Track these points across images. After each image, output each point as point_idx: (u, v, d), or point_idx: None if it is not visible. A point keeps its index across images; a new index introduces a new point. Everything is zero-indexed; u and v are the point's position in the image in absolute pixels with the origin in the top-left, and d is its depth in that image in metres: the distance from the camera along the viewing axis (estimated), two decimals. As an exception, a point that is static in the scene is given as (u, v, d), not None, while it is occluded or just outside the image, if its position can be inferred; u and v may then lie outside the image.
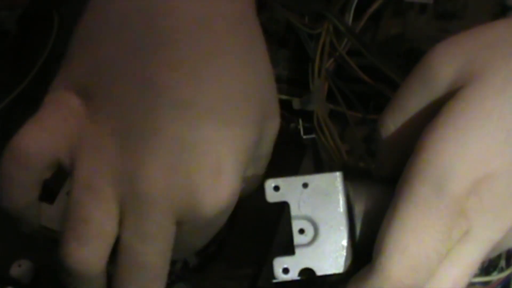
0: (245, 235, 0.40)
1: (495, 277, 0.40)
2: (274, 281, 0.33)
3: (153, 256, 0.31)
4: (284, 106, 0.49)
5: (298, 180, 0.33)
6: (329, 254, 0.33)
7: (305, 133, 0.45)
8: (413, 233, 0.29)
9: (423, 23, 0.47)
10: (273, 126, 0.35)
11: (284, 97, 0.49)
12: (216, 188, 0.31)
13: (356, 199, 0.33)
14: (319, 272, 0.33)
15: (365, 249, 0.32)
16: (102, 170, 0.31)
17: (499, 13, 0.46)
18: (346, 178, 0.34)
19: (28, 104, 0.34)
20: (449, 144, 0.29)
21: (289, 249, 0.33)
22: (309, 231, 0.33)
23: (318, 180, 0.33)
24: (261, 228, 0.35)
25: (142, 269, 0.31)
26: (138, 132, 0.30)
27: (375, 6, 0.47)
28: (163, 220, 0.31)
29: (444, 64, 0.30)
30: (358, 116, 0.45)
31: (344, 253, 0.33)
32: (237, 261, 0.40)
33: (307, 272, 0.33)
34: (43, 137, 0.31)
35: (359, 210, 0.33)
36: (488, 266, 0.40)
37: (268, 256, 0.33)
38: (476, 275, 0.40)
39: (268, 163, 0.37)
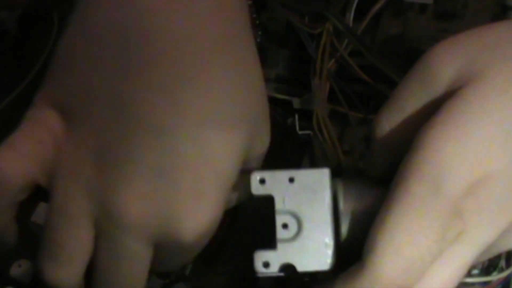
0: (245, 235, 0.40)
1: (495, 277, 0.40)
2: (257, 275, 0.32)
3: (126, 277, 0.32)
4: (284, 106, 0.49)
5: (285, 174, 0.33)
6: (312, 250, 0.32)
7: (301, 129, 0.45)
8: (407, 233, 0.28)
9: (423, 23, 0.47)
10: (263, 144, 0.34)
11: (284, 97, 0.49)
12: (194, 214, 0.31)
13: (344, 197, 0.33)
14: (300, 268, 0.32)
15: (350, 248, 0.31)
16: (77, 195, 0.31)
17: (499, 13, 0.46)
18: (336, 176, 0.33)
19: (28, 104, 0.34)
20: (448, 142, 0.28)
21: (272, 243, 0.32)
22: (293, 227, 0.32)
23: (305, 176, 0.33)
24: (261, 228, 0.34)
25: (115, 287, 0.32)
26: (114, 158, 0.30)
27: (377, 7, 0.47)
28: (137, 246, 0.31)
29: (444, 63, 0.30)
30: (359, 116, 0.45)
31: (327, 250, 0.32)
32: (237, 261, 0.40)
33: (288, 268, 0.32)
34: (17, 161, 0.31)
35: (346, 208, 0.33)
36: (488, 266, 0.40)
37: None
38: (476, 275, 0.40)
39: (269, 162, 0.37)
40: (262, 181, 0.33)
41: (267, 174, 0.33)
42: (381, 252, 0.28)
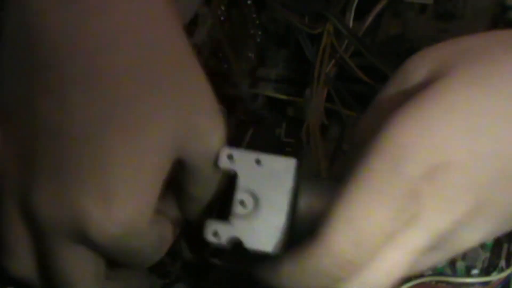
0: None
1: (495, 277, 0.40)
2: (206, 241, 0.33)
3: (63, 277, 0.33)
4: (284, 106, 0.49)
5: (253, 155, 0.34)
6: (262, 231, 0.33)
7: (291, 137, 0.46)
8: (362, 207, 0.28)
9: (423, 23, 0.47)
10: (204, 142, 0.34)
11: (283, 97, 0.49)
12: (105, 217, 0.31)
13: (306, 193, 0.33)
14: (246, 245, 0.33)
15: (300, 240, 0.31)
16: (7, 195, 0.32)
17: (499, 13, 0.46)
18: (304, 173, 0.34)
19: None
20: (412, 125, 0.29)
21: (226, 216, 0.33)
22: (249, 205, 0.33)
23: (272, 161, 0.34)
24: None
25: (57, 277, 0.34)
26: (26, 160, 0.32)
27: (379, 7, 0.47)
28: (54, 243, 0.32)
29: (418, 65, 0.31)
30: (356, 116, 0.46)
31: (277, 234, 0.33)
32: (237, 260, 0.40)
33: (235, 242, 0.33)
34: None
35: (305, 201, 0.33)
36: (488, 266, 0.40)
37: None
38: (476, 276, 0.40)
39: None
40: (230, 157, 0.34)
41: (236, 152, 0.34)
42: (333, 224, 0.28)
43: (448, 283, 0.40)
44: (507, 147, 0.29)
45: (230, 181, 0.35)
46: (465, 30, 0.45)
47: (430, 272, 0.40)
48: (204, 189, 0.36)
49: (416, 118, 0.29)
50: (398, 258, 0.29)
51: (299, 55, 0.50)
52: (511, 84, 0.29)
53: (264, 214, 0.33)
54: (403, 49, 0.47)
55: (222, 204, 0.36)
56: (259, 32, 0.52)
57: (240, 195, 0.33)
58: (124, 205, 0.31)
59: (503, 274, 0.40)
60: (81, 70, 0.31)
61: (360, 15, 0.47)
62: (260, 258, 0.33)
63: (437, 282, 0.40)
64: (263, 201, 0.33)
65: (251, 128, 0.52)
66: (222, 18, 0.47)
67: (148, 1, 0.33)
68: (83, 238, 0.31)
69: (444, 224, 0.29)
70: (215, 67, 0.47)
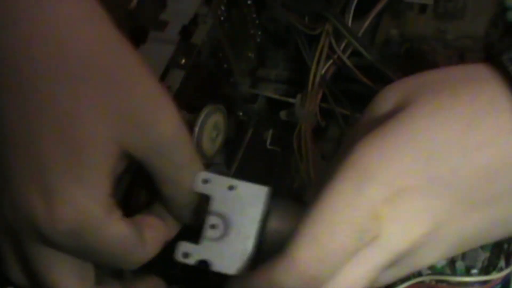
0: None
1: (494, 276, 0.40)
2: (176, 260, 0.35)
3: (43, 277, 0.35)
4: (284, 106, 0.49)
5: (227, 181, 0.35)
6: (229, 255, 0.34)
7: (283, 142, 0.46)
8: (327, 225, 0.30)
9: (423, 23, 0.47)
10: (147, 133, 0.34)
11: (283, 98, 0.49)
12: (48, 214, 0.32)
13: (277, 217, 0.35)
14: (212, 268, 0.34)
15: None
16: None
17: (499, 13, 0.46)
18: (278, 196, 0.35)
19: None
20: (375, 152, 0.31)
21: (197, 237, 0.35)
22: (220, 229, 0.35)
23: (245, 188, 0.35)
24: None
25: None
26: None
27: (379, 7, 0.47)
28: (30, 247, 0.34)
29: (387, 97, 0.33)
30: (356, 116, 0.46)
31: (242, 259, 0.34)
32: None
33: (203, 264, 0.35)
34: None
35: (275, 228, 0.35)
36: (487, 266, 0.40)
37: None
38: (475, 275, 0.40)
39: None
40: (206, 181, 0.36)
41: (211, 176, 0.36)
42: (299, 241, 0.30)
43: (447, 282, 0.40)
44: (463, 174, 0.30)
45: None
46: (465, 30, 0.45)
47: (429, 272, 0.40)
48: (171, 188, 0.36)
49: (379, 145, 0.31)
50: (359, 274, 0.31)
51: (299, 55, 0.50)
52: (468, 116, 0.31)
53: (231, 239, 0.35)
54: (403, 49, 0.47)
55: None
56: (259, 32, 0.52)
57: (211, 219, 0.35)
58: (64, 202, 0.32)
59: (502, 274, 0.40)
60: (5, 74, 0.32)
61: (360, 14, 0.47)
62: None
63: (436, 281, 0.40)
64: (233, 226, 0.35)
65: (251, 128, 0.53)
66: (222, 18, 0.47)
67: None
68: (38, 236, 0.33)
69: (403, 245, 0.30)
70: (215, 67, 0.47)
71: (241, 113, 0.51)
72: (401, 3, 0.48)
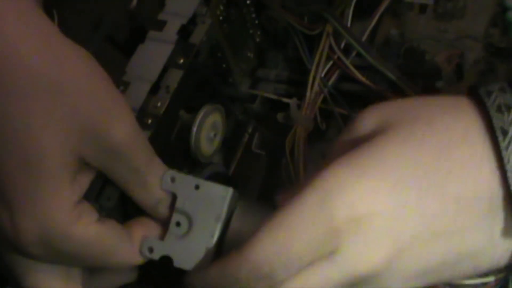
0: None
1: (493, 278, 0.39)
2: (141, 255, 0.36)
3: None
4: (283, 106, 0.49)
5: (193, 180, 0.37)
6: (191, 251, 0.36)
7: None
8: (286, 230, 0.31)
9: (423, 23, 0.47)
10: (102, 137, 0.34)
11: (282, 99, 0.49)
12: (13, 225, 0.33)
13: (239, 219, 0.36)
14: (175, 264, 0.36)
15: None
16: None
17: (499, 13, 0.45)
18: (244, 199, 0.37)
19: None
20: (346, 170, 0.31)
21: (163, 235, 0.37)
22: (184, 227, 0.36)
23: (210, 188, 0.36)
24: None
25: None
26: None
27: (381, 9, 0.47)
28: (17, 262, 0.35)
29: (366, 119, 0.34)
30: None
31: (204, 256, 0.35)
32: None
33: (166, 259, 0.36)
34: None
35: (237, 226, 0.36)
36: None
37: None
38: (474, 277, 0.40)
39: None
40: (173, 180, 0.37)
41: (178, 176, 0.37)
42: (257, 240, 0.31)
43: (445, 284, 0.40)
44: (430, 202, 0.31)
45: None
46: (465, 30, 0.45)
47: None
48: (136, 191, 0.36)
49: (350, 165, 0.31)
50: (311, 284, 0.31)
51: (298, 55, 0.49)
52: (440, 144, 0.31)
53: (194, 236, 0.36)
54: (403, 49, 0.47)
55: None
56: (258, 32, 0.52)
57: (176, 216, 0.36)
58: (25, 215, 0.33)
59: (501, 275, 0.39)
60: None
61: (360, 15, 0.47)
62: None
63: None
64: (196, 224, 0.36)
65: (250, 128, 0.53)
66: (221, 18, 0.47)
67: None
68: (16, 249, 0.34)
69: (362, 266, 0.31)
70: (214, 67, 0.47)
71: (239, 114, 0.51)
72: (401, 3, 0.48)
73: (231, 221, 0.36)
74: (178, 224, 0.36)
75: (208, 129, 0.43)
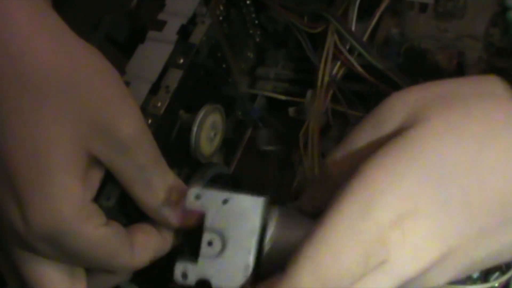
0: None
1: (495, 282, 0.40)
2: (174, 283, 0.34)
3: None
4: (283, 106, 0.49)
5: (220, 195, 0.34)
6: (229, 270, 0.33)
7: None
8: (330, 249, 0.29)
9: (423, 22, 0.47)
10: (110, 134, 0.34)
11: (282, 97, 0.49)
12: (23, 219, 0.33)
13: (275, 227, 0.34)
14: (214, 285, 0.33)
15: (269, 273, 0.32)
16: None
17: (499, 13, 0.45)
18: (275, 205, 0.34)
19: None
20: (384, 173, 0.29)
21: (195, 256, 0.34)
22: (217, 245, 0.34)
23: (240, 200, 0.34)
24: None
25: None
26: None
27: (382, 8, 0.47)
28: (6, 243, 0.35)
29: (395, 109, 0.32)
30: (359, 115, 0.45)
31: (244, 273, 0.33)
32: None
33: (203, 283, 0.34)
34: None
35: (274, 237, 0.33)
36: (488, 270, 0.40)
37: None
38: (477, 281, 0.40)
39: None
40: (198, 197, 0.34)
41: (203, 192, 0.34)
42: (301, 263, 0.29)
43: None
44: (475, 197, 0.29)
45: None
46: (465, 30, 0.45)
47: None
48: (138, 190, 0.36)
49: (387, 166, 0.29)
50: None
51: (298, 54, 0.49)
52: (481, 136, 0.30)
53: (230, 254, 0.33)
54: (403, 49, 0.47)
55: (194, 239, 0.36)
56: (258, 32, 0.52)
57: (207, 236, 0.34)
58: (36, 208, 0.32)
59: (503, 278, 0.39)
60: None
61: (361, 15, 0.47)
62: None
63: None
64: (230, 241, 0.33)
65: (250, 128, 0.53)
66: (220, 18, 0.47)
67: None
68: (23, 244, 0.34)
69: (412, 271, 0.29)
70: (214, 67, 0.47)
71: (240, 113, 0.51)
72: (401, 3, 0.47)
73: (266, 230, 0.34)
74: (210, 243, 0.34)
75: (208, 128, 0.43)
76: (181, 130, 0.42)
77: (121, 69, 0.42)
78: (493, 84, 0.31)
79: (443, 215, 0.29)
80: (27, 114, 0.33)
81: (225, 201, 0.34)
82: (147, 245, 0.37)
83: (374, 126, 0.32)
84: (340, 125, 0.47)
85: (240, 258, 0.33)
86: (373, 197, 0.29)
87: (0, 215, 0.34)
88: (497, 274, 0.39)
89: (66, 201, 0.33)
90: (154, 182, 0.36)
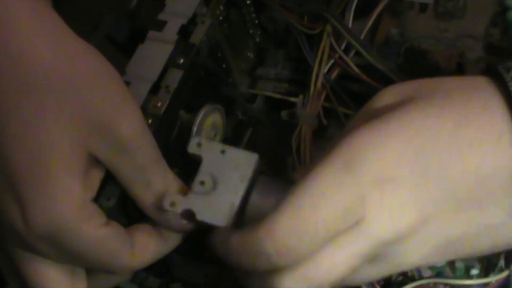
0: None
1: (494, 278, 0.40)
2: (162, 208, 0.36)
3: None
4: (283, 106, 0.49)
5: (219, 146, 0.37)
6: (215, 207, 0.35)
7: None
8: (311, 198, 0.30)
9: (423, 22, 0.47)
10: (109, 133, 0.34)
11: (282, 97, 0.49)
12: (23, 218, 0.33)
13: (261, 188, 0.36)
14: (198, 217, 0.35)
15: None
16: None
17: (499, 13, 0.45)
18: (265, 174, 0.36)
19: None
20: (370, 136, 0.31)
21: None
22: (208, 185, 0.36)
23: (236, 153, 0.37)
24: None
25: None
26: None
27: (380, 7, 0.47)
28: (7, 243, 0.35)
29: (386, 95, 0.34)
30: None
31: (228, 212, 0.35)
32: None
33: (188, 213, 0.36)
34: None
35: (258, 197, 0.36)
36: (487, 266, 0.40)
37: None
38: (476, 277, 0.40)
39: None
40: (199, 145, 0.37)
41: (204, 141, 0.37)
42: (282, 209, 0.30)
43: (446, 284, 0.40)
44: (453, 171, 0.31)
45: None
46: (465, 30, 0.45)
47: (430, 273, 0.40)
48: (138, 189, 0.36)
49: (375, 131, 0.31)
50: (338, 259, 0.31)
51: (298, 54, 0.49)
52: (460, 114, 0.31)
53: (219, 194, 0.36)
54: (403, 49, 0.47)
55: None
56: (258, 32, 0.52)
57: (201, 176, 0.36)
58: (35, 207, 0.33)
59: (503, 275, 0.39)
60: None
61: (361, 14, 0.47)
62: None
63: (435, 283, 0.40)
64: (221, 184, 0.36)
65: (249, 128, 0.53)
66: (221, 18, 0.47)
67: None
68: (24, 244, 0.34)
69: (387, 233, 0.30)
70: (214, 67, 0.47)
71: (240, 113, 0.51)
72: (401, 2, 0.48)
73: (255, 188, 0.36)
74: (202, 183, 0.36)
75: (208, 129, 0.43)
76: (181, 130, 0.42)
77: (121, 69, 0.42)
78: (476, 79, 0.33)
79: (421, 184, 0.31)
80: (27, 114, 0.33)
81: (223, 151, 0.37)
82: (147, 246, 0.37)
83: (367, 107, 0.34)
84: (336, 124, 0.47)
85: (227, 198, 0.36)
86: (358, 154, 0.30)
87: (0, 215, 0.34)
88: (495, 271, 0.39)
89: (66, 201, 0.33)
90: (154, 182, 0.36)
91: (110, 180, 0.37)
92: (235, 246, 0.32)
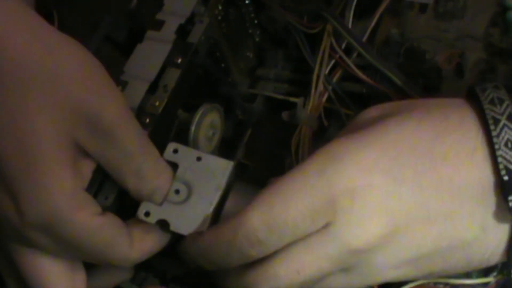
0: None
1: (494, 278, 0.39)
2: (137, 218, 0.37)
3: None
4: (283, 107, 0.49)
5: (195, 153, 0.38)
6: (188, 217, 0.36)
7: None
8: (283, 196, 0.32)
9: (423, 22, 0.47)
10: (95, 122, 0.35)
11: (282, 97, 0.49)
12: (17, 210, 0.33)
13: (236, 197, 0.37)
14: (172, 228, 0.36)
15: None
16: None
17: (499, 13, 0.45)
18: (242, 180, 0.37)
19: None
20: (346, 145, 0.32)
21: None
22: (183, 194, 0.37)
23: (211, 160, 0.37)
24: None
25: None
26: None
27: (381, 9, 0.47)
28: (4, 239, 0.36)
29: (369, 112, 0.36)
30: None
31: (200, 222, 0.36)
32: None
33: (163, 223, 0.36)
34: None
35: (233, 202, 0.36)
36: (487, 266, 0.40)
37: None
38: (475, 277, 0.40)
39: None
40: (175, 151, 0.38)
41: (180, 147, 0.38)
42: (254, 205, 0.32)
43: (446, 284, 0.40)
44: (427, 186, 0.31)
45: None
46: (465, 30, 0.45)
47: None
48: (129, 178, 0.36)
49: (352, 140, 0.33)
50: (307, 259, 0.32)
51: (298, 54, 0.49)
52: (437, 128, 0.32)
53: (193, 203, 0.36)
54: (403, 49, 0.46)
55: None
56: (258, 32, 0.52)
57: (176, 185, 0.37)
58: (28, 199, 0.33)
59: (501, 276, 0.39)
60: None
61: (361, 14, 0.47)
62: None
63: (435, 283, 0.40)
64: (195, 192, 0.36)
65: (249, 128, 0.53)
66: (219, 18, 0.47)
67: None
68: (20, 237, 0.34)
69: (356, 240, 0.31)
70: (212, 67, 0.47)
71: (240, 113, 0.51)
72: (401, 3, 0.48)
73: (227, 199, 0.37)
74: (177, 192, 0.37)
75: (206, 128, 0.43)
76: (179, 129, 0.42)
77: (119, 68, 0.42)
78: (455, 100, 0.34)
79: (394, 193, 0.32)
80: (11, 106, 0.33)
81: (198, 158, 0.37)
82: (145, 237, 0.37)
83: (350, 125, 0.36)
84: (337, 125, 0.47)
85: (201, 209, 0.36)
86: (332, 161, 0.32)
87: None
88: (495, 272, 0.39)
89: (56, 189, 0.33)
90: (144, 171, 0.36)
91: (107, 178, 0.37)
92: (208, 243, 0.33)
